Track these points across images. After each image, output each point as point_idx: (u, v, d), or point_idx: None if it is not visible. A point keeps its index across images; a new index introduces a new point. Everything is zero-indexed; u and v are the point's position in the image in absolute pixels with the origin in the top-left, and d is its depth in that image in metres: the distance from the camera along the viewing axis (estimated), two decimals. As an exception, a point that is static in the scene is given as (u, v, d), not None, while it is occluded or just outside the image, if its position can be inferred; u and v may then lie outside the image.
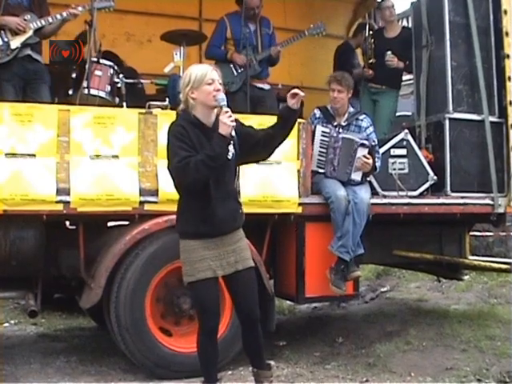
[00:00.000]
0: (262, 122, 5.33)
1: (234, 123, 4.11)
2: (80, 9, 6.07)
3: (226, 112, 4.11)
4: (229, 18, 7.19)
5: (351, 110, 6.38)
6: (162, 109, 5.97)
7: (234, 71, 7.05)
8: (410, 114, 8.01)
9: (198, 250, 4.30)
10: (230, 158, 4.22)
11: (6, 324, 7.75)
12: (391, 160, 6.40)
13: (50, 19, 6.03)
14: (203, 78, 4.23)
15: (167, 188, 5.40)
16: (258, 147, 4.43)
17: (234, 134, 4.14)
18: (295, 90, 4.36)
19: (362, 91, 7.89)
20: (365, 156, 5.90)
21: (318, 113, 6.37)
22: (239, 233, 4.47)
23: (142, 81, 6.78)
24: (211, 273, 4.32)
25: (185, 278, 4.38)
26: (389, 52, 7.39)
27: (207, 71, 4.27)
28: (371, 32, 7.97)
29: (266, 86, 7.35)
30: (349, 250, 5.80)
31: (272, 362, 5.19)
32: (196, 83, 4.24)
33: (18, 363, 5.83)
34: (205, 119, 4.29)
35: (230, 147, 4.21)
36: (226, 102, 4.16)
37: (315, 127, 6.14)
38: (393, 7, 7.80)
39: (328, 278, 5.87)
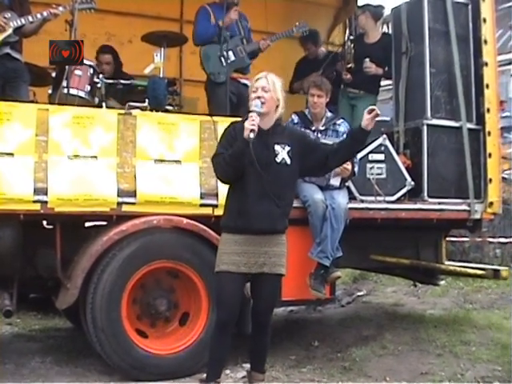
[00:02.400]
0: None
1: (254, 127, 4.37)
2: (61, 9, 6.04)
3: (250, 117, 4.42)
4: (211, 7, 7.06)
5: (329, 114, 6.38)
6: (142, 110, 5.96)
7: (223, 61, 6.84)
8: (388, 119, 8.02)
9: (230, 243, 4.57)
10: (278, 161, 4.55)
11: (-19, 324, 7.70)
12: (369, 165, 6.43)
13: (31, 18, 6.00)
14: (251, 87, 4.66)
15: (145, 189, 5.43)
16: (324, 161, 4.77)
17: (252, 136, 4.35)
18: (373, 107, 4.66)
19: (340, 96, 7.92)
20: (344, 161, 5.92)
21: (295, 118, 6.35)
22: (279, 238, 4.66)
23: (122, 81, 6.75)
24: (234, 267, 4.53)
25: (215, 267, 4.64)
26: (367, 59, 7.43)
27: (255, 80, 4.66)
28: (351, 37, 7.99)
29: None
30: (328, 254, 5.81)
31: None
32: (250, 91, 4.66)
33: (-7, 363, 5.81)
34: (260, 123, 4.50)
35: (283, 152, 4.56)
36: (258, 109, 4.47)
37: (294, 132, 6.15)
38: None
39: (307, 284, 5.88)
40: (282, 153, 4.56)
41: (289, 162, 4.57)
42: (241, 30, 7.16)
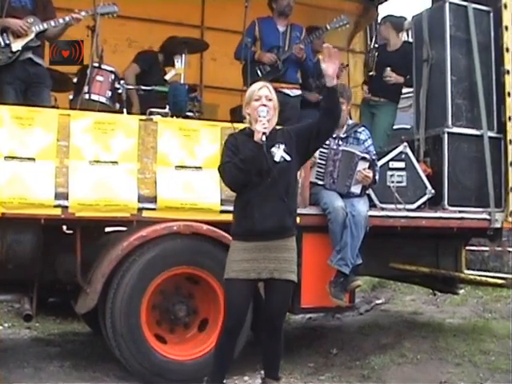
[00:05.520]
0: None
1: (266, 130, 4.49)
2: (83, 14, 6.07)
3: (260, 121, 4.52)
4: (259, 21, 7.22)
5: (350, 122, 6.38)
6: (163, 116, 5.97)
7: (259, 73, 7.02)
8: (408, 127, 8.02)
9: (239, 251, 4.60)
10: (277, 160, 4.57)
11: (0, 327, 7.73)
12: (389, 173, 6.40)
13: (53, 23, 6.03)
14: (252, 95, 4.69)
15: (166, 195, 5.44)
16: (313, 135, 4.74)
17: (264, 139, 4.46)
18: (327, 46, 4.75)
19: (361, 104, 7.93)
20: (365, 170, 5.91)
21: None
22: (289, 243, 4.67)
23: (143, 87, 6.77)
24: (245, 274, 4.56)
25: (224, 274, 4.68)
26: (388, 68, 7.44)
27: (255, 88, 4.71)
28: (376, 45, 8.01)
29: (292, 93, 7.22)
30: (348, 262, 5.78)
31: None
32: (248, 99, 4.72)
33: (12, 367, 5.80)
34: None
35: (279, 151, 4.59)
36: (265, 114, 4.58)
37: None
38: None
39: (327, 291, 5.86)
40: (279, 151, 4.58)
41: (288, 158, 4.60)
42: (286, 41, 7.21)
